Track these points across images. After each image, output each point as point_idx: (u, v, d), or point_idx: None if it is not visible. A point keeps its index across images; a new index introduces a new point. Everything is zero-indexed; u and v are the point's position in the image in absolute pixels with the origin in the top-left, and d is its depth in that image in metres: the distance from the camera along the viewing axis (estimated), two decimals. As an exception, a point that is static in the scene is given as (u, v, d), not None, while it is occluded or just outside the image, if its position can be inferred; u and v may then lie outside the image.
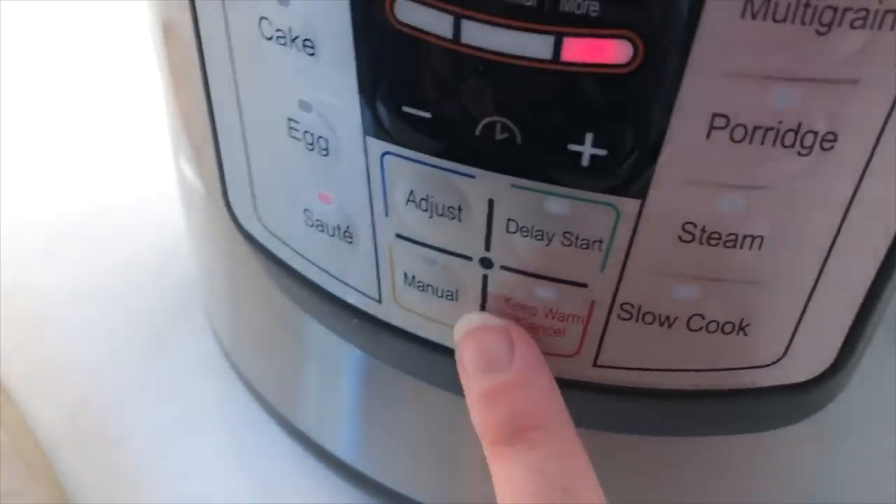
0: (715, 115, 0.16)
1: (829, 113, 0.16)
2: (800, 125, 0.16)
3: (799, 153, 0.17)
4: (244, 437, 0.38)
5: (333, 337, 0.27)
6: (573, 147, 0.18)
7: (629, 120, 0.17)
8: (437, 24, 0.17)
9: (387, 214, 0.21)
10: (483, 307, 0.22)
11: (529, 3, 0.16)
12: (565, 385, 0.21)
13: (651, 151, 0.17)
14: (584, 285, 0.20)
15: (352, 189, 0.21)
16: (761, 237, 0.18)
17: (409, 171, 0.20)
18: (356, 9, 0.18)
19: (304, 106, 0.20)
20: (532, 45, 0.16)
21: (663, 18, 0.16)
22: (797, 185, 0.17)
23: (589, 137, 0.17)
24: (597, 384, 0.22)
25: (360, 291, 0.24)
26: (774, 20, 0.15)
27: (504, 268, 0.21)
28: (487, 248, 0.20)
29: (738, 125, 0.17)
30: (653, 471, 0.27)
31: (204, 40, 0.22)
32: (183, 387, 0.40)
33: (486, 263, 0.21)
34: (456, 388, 0.25)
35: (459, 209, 0.20)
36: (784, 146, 0.17)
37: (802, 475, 0.27)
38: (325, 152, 0.21)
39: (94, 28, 0.62)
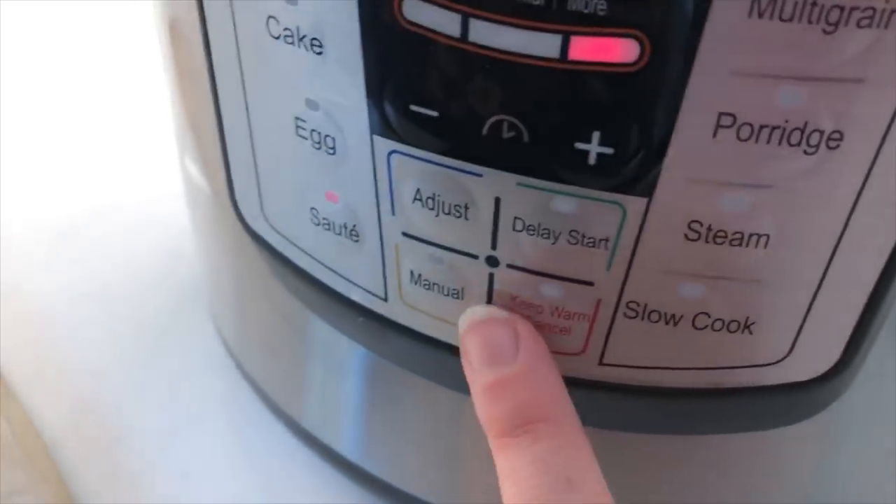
0: (721, 114, 0.17)
1: (835, 112, 0.16)
2: (806, 124, 0.16)
3: (805, 152, 0.17)
4: (249, 436, 0.38)
5: (339, 335, 0.27)
6: (580, 146, 0.18)
7: (636, 118, 0.17)
8: (445, 23, 0.17)
9: (393, 213, 0.21)
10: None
11: (537, 3, 0.16)
12: (570, 383, 0.21)
13: (657, 150, 0.17)
14: (590, 284, 0.20)
15: (358, 188, 0.21)
16: (767, 236, 0.18)
17: (415, 170, 0.20)
18: (364, 8, 0.18)
19: (312, 105, 0.20)
20: (539, 44, 0.16)
21: (670, 18, 0.16)
22: (803, 183, 0.17)
23: (596, 136, 0.17)
24: (602, 382, 0.22)
25: (366, 290, 0.24)
26: (781, 19, 0.15)
27: (510, 266, 0.21)
28: (494, 246, 0.20)
29: (745, 124, 0.17)
30: (657, 469, 0.27)
31: (211, 39, 0.22)
32: (187, 386, 0.40)
33: (492, 262, 0.21)
34: (462, 387, 0.25)
35: (466, 208, 0.20)
36: (790, 145, 0.17)
37: (806, 474, 0.27)
38: (332, 151, 0.21)
39: (96, 27, 0.62)
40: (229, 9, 0.20)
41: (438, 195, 0.20)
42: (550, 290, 0.21)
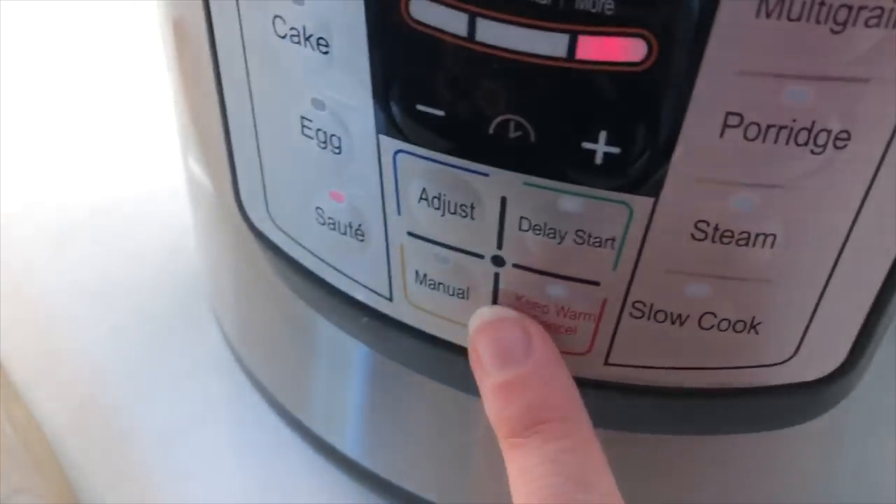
0: (728, 114, 0.17)
1: (842, 111, 0.16)
2: (813, 123, 0.16)
3: (812, 151, 0.17)
4: (252, 435, 0.38)
5: (343, 335, 0.27)
6: (587, 145, 0.18)
7: (643, 118, 0.17)
8: (452, 22, 0.17)
9: (399, 212, 0.21)
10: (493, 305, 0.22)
11: (544, 2, 0.16)
12: (576, 383, 0.21)
13: (664, 150, 0.17)
14: (596, 283, 0.20)
15: (364, 187, 0.21)
16: (774, 236, 0.18)
17: (421, 170, 0.20)
18: (371, 7, 0.18)
19: (318, 104, 0.20)
20: (547, 44, 0.16)
21: (678, 17, 0.16)
22: (810, 183, 0.17)
23: (602, 135, 0.17)
24: (608, 382, 0.22)
25: (370, 289, 0.24)
26: (789, 19, 0.15)
27: (516, 266, 0.21)
28: (499, 246, 0.20)
29: (752, 123, 0.17)
30: (663, 469, 0.27)
31: (217, 39, 0.22)
32: (190, 385, 0.40)
33: (497, 261, 0.21)
34: (466, 387, 0.25)
35: (472, 207, 0.20)
36: (797, 144, 0.17)
37: (813, 474, 0.27)
38: (337, 150, 0.21)
39: (99, 25, 0.63)
40: (235, 8, 0.20)
41: (444, 195, 0.20)
42: (556, 289, 0.21)
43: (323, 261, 0.24)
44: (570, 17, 0.16)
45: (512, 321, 0.21)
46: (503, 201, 0.19)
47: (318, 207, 0.23)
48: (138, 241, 0.47)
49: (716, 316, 0.20)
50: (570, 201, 0.19)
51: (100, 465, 0.37)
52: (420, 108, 0.18)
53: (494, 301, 0.22)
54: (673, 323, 0.20)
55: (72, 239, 0.47)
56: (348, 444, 0.34)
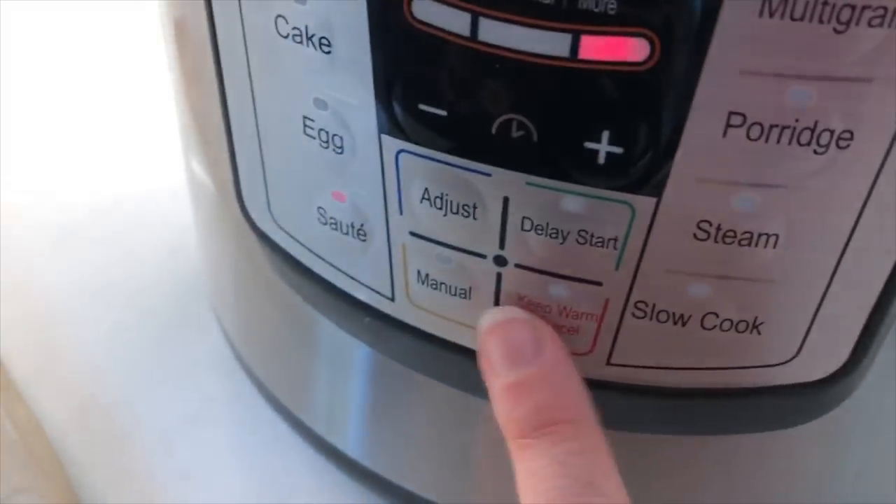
0: (731, 114, 0.17)
1: (845, 111, 0.16)
2: (816, 123, 0.16)
3: (815, 151, 0.17)
4: (253, 434, 0.38)
5: (345, 335, 0.27)
6: (589, 145, 0.18)
7: (645, 118, 0.17)
8: (455, 21, 0.17)
9: (401, 212, 0.21)
10: (496, 305, 0.22)
11: (547, 2, 0.16)
12: (579, 383, 0.21)
13: (667, 149, 0.17)
14: (598, 283, 0.20)
15: (366, 187, 0.21)
16: (776, 236, 0.18)
17: (424, 169, 0.20)
18: (373, 7, 0.18)
19: (320, 104, 0.20)
20: (549, 43, 0.16)
21: (680, 17, 0.16)
22: (813, 183, 0.17)
23: (605, 135, 0.17)
24: (610, 382, 0.22)
25: (372, 289, 0.24)
26: (792, 18, 0.15)
27: (518, 266, 0.21)
28: (502, 245, 0.20)
29: (755, 123, 0.17)
30: (664, 469, 0.27)
31: (219, 39, 0.22)
32: (191, 384, 0.40)
33: (500, 261, 0.21)
34: (467, 387, 0.25)
35: (474, 207, 0.20)
36: (800, 144, 0.17)
37: (814, 474, 0.27)
38: (339, 150, 0.21)
39: (100, 25, 0.62)
40: (237, 8, 0.20)
41: (447, 194, 0.20)
42: (558, 289, 0.21)
43: (325, 260, 0.24)
44: (572, 16, 0.16)
45: (523, 322, 0.21)
46: (505, 201, 0.19)
47: (320, 207, 0.23)
48: (139, 241, 0.47)
49: (718, 316, 0.20)
50: (573, 201, 0.19)
51: (100, 464, 0.37)
52: (422, 107, 0.18)
53: (497, 301, 0.22)
54: (675, 323, 0.20)
55: (72, 238, 0.47)
56: (349, 444, 0.34)
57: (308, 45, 0.19)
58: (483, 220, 0.20)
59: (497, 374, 0.21)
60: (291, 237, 0.25)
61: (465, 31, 0.17)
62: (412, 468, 0.32)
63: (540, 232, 0.20)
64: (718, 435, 0.25)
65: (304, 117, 0.21)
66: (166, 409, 0.39)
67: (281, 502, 0.36)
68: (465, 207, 0.20)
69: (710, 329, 0.20)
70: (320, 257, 0.24)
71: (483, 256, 0.21)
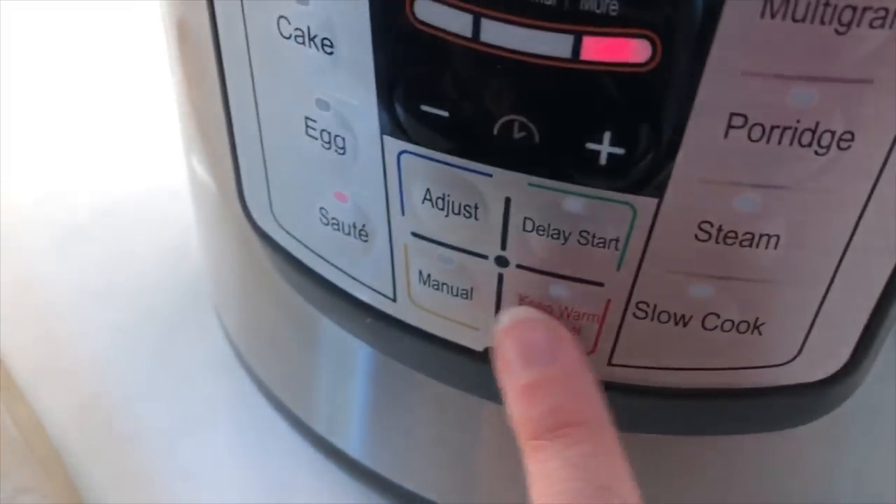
0: (733, 115, 0.17)
1: (846, 112, 0.16)
2: (817, 124, 0.16)
3: (816, 152, 0.17)
4: (255, 435, 0.38)
5: (346, 335, 0.27)
6: (591, 146, 0.18)
7: (647, 119, 0.17)
8: (457, 23, 0.17)
9: (403, 213, 0.21)
10: (498, 306, 0.22)
11: (549, 3, 0.16)
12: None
13: (668, 150, 0.17)
14: (599, 284, 0.20)
15: (368, 188, 0.21)
16: (777, 236, 0.18)
17: (426, 170, 0.20)
18: (375, 8, 0.18)
19: (322, 105, 0.20)
20: (551, 44, 0.16)
21: (682, 18, 0.16)
22: (814, 184, 0.17)
23: (607, 136, 0.17)
24: (611, 383, 0.22)
25: (374, 290, 0.24)
26: (793, 20, 0.15)
27: (520, 266, 0.21)
28: (503, 246, 0.20)
29: (756, 124, 0.17)
30: (665, 470, 0.27)
31: (221, 40, 0.22)
32: (193, 384, 0.40)
33: (501, 262, 0.21)
34: (469, 387, 0.25)
35: (476, 208, 0.20)
36: (801, 145, 0.17)
37: (815, 474, 0.27)
38: (341, 151, 0.21)
39: (102, 26, 0.63)
40: (240, 9, 0.20)
41: (448, 195, 0.20)
42: (560, 290, 0.21)
43: (326, 261, 0.24)
44: (574, 17, 0.16)
45: (540, 322, 0.21)
46: (507, 202, 0.19)
47: (322, 208, 0.23)
48: (141, 241, 0.47)
49: (719, 317, 0.20)
50: (574, 202, 0.19)
51: (103, 464, 0.37)
52: (424, 108, 0.19)
53: (498, 300, 0.22)
54: (676, 324, 0.20)
55: (74, 238, 0.48)
56: (350, 444, 0.34)
57: (310, 46, 0.19)
58: (485, 221, 0.20)
59: (512, 374, 0.20)
60: (293, 237, 0.25)
61: (467, 32, 0.17)
62: (413, 468, 0.32)
63: (541, 232, 0.20)
64: (719, 435, 0.25)
65: (306, 118, 0.21)
66: (168, 408, 0.39)
67: (281, 502, 0.36)
68: (467, 208, 0.20)
69: (711, 329, 0.20)
70: (322, 258, 0.24)
71: (485, 257, 0.21)
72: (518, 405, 0.20)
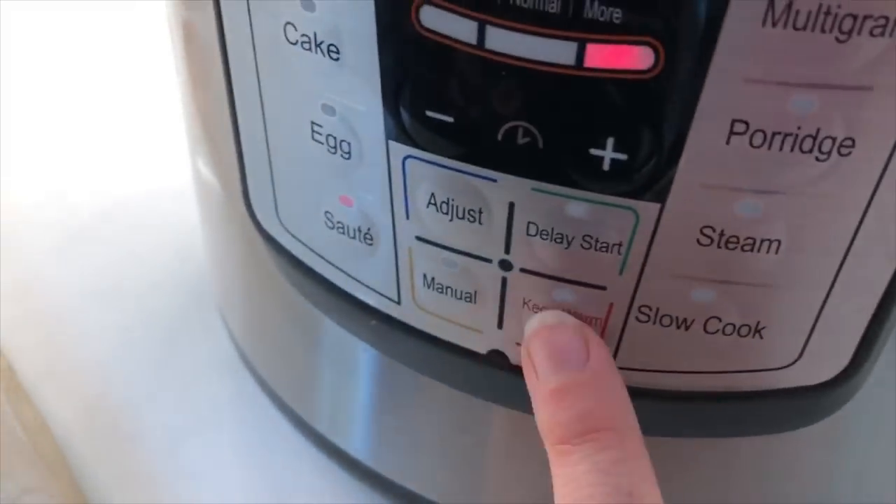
0: (734, 121, 0.17)
1: (847, 119, 0.16)
2: (818, 131, 0.17)
3: (817, 158, 0.17)
4: (259, 436, 0.38)
5: (350, 337, 0.28)
6: (594, 151, 0.18)
7: (650, 125, 0.17)
8: (462, 30, 0.17)
9: (407, 217, 0.21)
10: (502, 309, 0.22)
11: (553, 10, 0.16)
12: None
13: (671, 156, 0.18)
14: (602, 288, 0.20)
15: (373, 192, 0.21)
16: (779, 241, 0.19)
17: (430, 175, 0.20)
18: (381, 14, 0.18)
19: (328, 110, 0.20)
20: (555, 52, 0.17)
21: (685, 26, 0.16)
22: (815, 189, 0.18)
23: (610, 142, 0.18)
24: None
25: (379, 293, 0.24)
26: (795, 27, 0.15)
27: (523, 270, 0.21)
28: (507, 250, 0.21)
29: (758, 131, 0.17)
30: (667, 472, 0.27)
31: (228, 45, 0.22)
32: (197, 386, 0.40)
33: (505, 266, 0.21)
34: (472, 389, 0.25)
35: (480, 212, 0.20)
36: (802, 151, 0.17)
37: (816, 477, 0.28)
38: (347, 156, 0.21)
39: (107, 27, 0.63)
40: (246, 14, 0.21)
41: (453, 200, 0.20)
42: (563, 294, 0.21)
43: (331, 264, 0.24)
44: (578, 25, 0.16)
45: (569, 327, 0.21)
46: (511, 206, 0.20)
47: (327, 212, 0.23)
48: (145, 242, 0.48)
49: (721, 320, 0.20)
50: (578, 207, 0.19)
51: (108, 465, 0.37)
52: (429, 114, 0.19)
53: (502, 304, 0.22)
54: (678, 327, 0.21)
55: (78, 239, 0.48)
56: (353, 445, 0.34)
57: (316, 52, 0.19)
58: (489, 225, 0.20)
59: (541, 378, 0.20)
60: (298, 240, 0.25)
61: (472, 39, 0.17)
62: (416, 469, 0.32)
63: (545, 237, 0.20)
64: (720, 438, 0.25)
65: (312, 123, 0.21)
66: (172, 409, 0.39)
67: (284, 502, 0.36)
68: (471, 212, 0.20)
69: (712, 333, 0.20)
70: (327, 261, 0.24)
71: (489, 261, 0.21)
72: (546, 409, 0.20)
